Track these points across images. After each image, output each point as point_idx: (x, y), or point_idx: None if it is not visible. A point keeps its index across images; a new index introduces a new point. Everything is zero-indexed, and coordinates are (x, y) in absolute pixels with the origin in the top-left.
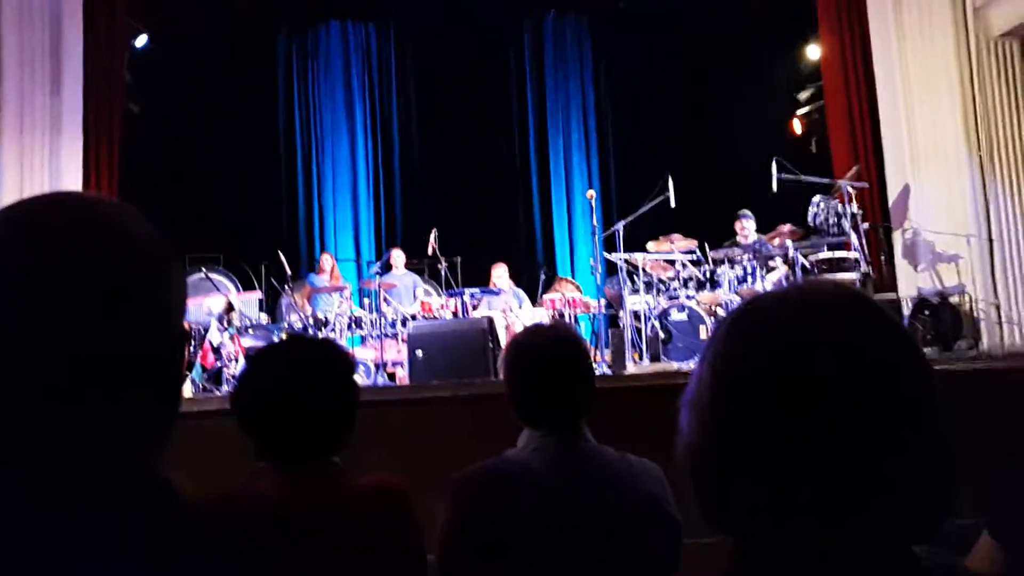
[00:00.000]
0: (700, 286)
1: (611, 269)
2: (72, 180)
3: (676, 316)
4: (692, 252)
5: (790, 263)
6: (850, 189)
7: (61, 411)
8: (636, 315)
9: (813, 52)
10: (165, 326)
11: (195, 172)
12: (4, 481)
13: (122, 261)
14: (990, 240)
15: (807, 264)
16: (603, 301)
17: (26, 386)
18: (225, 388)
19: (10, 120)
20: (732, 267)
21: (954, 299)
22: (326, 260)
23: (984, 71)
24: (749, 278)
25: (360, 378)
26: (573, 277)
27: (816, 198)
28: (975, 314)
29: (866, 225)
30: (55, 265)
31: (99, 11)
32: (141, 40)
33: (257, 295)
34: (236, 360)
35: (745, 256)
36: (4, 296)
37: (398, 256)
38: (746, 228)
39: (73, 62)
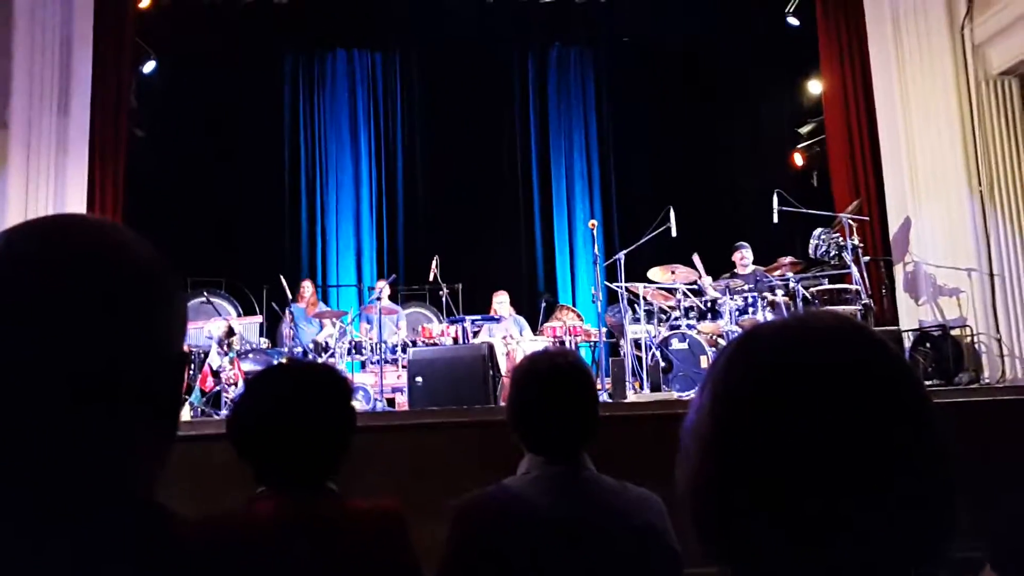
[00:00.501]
0: (701, 316)
1: (612, 298)
2: (76, 200)
3: (677, 345)
4: (693, 283)
5: (791, 294)
6: (851, 222)
7: (59, 430)
8: (637, 344)
9: (815, 87)
10: (165, 348)
11: (198, 197)
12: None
13: (123, 283)
14: (991, 274)
15: (808, 296)
16: (604, 329)
17: (25, 405)
18: (224, 412)
19: (18, 139)
20: (733, 298)
21: (955, 332)
22: (306, 287)
23: (984, 108)
24: (750, 309)
25: (359, 403)
26: (574, 305)
27: (817, 231)
28: (977, 347)
29: (867, 258)
30: (57, 286)
31: (109, 35)
32: (149, 66)
33: (258, 319)
34: (235, 384)
35: (746, 287)
36: (5, 316)
37: (383, 288)
38: (744, 259)
39: (81, 84)
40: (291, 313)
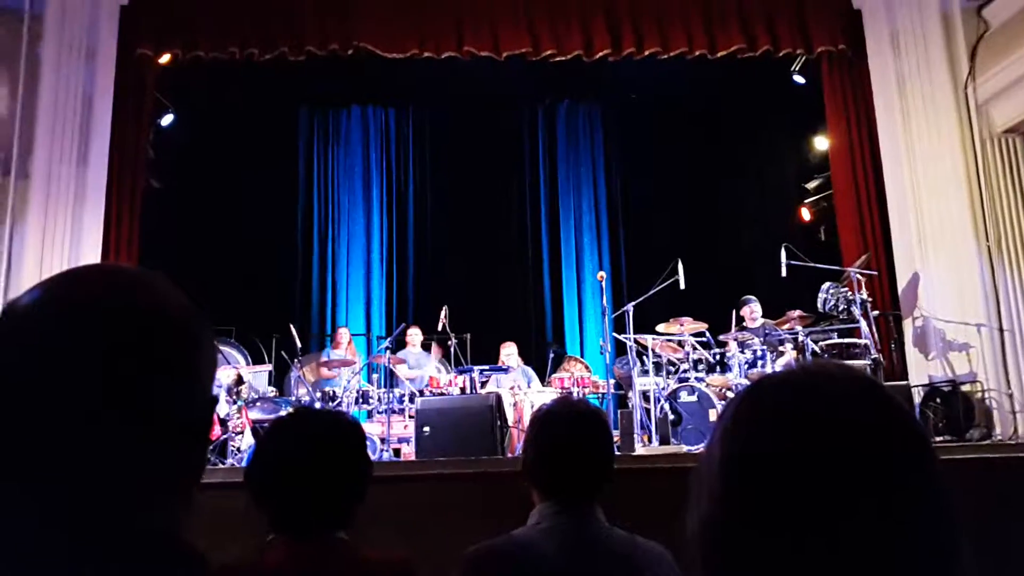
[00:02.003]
0: (710, 369)
1: (620, 349)
2: (92, 249)
3: (686, 398)
4: (702, 334)
5: (800, 348)
6: (859, 276)
7: (96, 473)
8: (645, 396)
9: (821, 143)
10: (199, 392)
11: (211, 247)
12: (36, 539)
13: (160, 332)
14: (1001, 329)
15: (817, 350)
16: (612, 381)
17: (63, 449)
18: (230, 461)
19: (38, 189)
20: (742, 351)
21: (966, 388)
22: (343, 334)
23: (989, 165)
24: (759, 362)
25: None
26: (582, 357)
27: (825, 285)
28: (988, 403)
29: (876, 312)
30: (96, 336)
31: (129, 90)
32: (167, 119)
33: (267, 368)
34: (242, 433)
35: (756, 340)
36: (46, 364)
37: (415, 334)
38: (753, 312)
39: (101, 136)
40: (325, 358)
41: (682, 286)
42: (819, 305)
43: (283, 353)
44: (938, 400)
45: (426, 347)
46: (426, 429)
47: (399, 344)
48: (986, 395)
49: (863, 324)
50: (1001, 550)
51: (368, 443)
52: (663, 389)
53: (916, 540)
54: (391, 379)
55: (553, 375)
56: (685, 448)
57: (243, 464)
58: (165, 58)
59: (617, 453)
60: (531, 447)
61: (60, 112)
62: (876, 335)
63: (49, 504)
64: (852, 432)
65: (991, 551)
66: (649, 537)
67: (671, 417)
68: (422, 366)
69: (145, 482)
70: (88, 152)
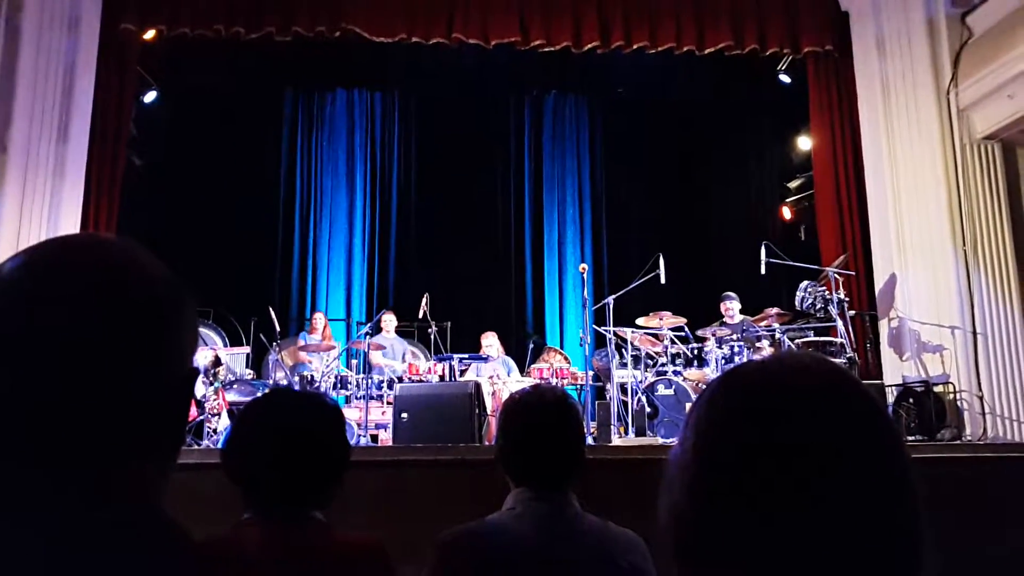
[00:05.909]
0: (688, 363)
1: (600, 342)
2: (70, 225)
3: (663, 391)
4: (681, 329)
5: (776, 345)
6: (837, 276)
7: (73, 445)
8: (623, 388)
9: (804, 143)
10: (177, 365)
11: (191, 226)
12: (9, 513)
13: (138, 303)
14: (974, 332)
15: (793, 347)
16: (591, 373)
17: (40, 422)
18: (206, 442)
19: (16, 163)
20: (720, 346)
21: (938, 388)
22: (318, 319)
23: (968, 170)
24: (736, 357)
25: None
26: (562, 348)
27: (804, 283)
28: (959, 404)
29: (852, 312)
30: (74, 306)
31: (112, 64)
32: (150, 96)
33: (245, 350)
34: (218, 415)
35: (733, 336)
36: (32, 331)
37: (389, 320)
38: (731, 309)
39: (82, 111)
40: (302, 341)
41: (663, 281)
42: (797, 303)
43: (261, 336)
44: (911, 400)
45: (401, 334)
46: (404, 415)
47: (376, 330)
48: (958, 396)
49: (839, 323)
50: (965, 546)
51: (347, 428)
52: (641, 382)
53: (884, 531)
54: (369, 365)
55: (532, 365)
56: (661, 440)
57: (219, 446)
58: (150, 34)
59: (594, 444)
60: (502, 436)
61: (40, 85)
62: (852, 334)
63: (24, 473)
64: (823, 422)
65: (956, 547)
66: (624, 525)
67: (648, 410)
68: (396, 352)
69: (125, 451)
70: (68, 127)
